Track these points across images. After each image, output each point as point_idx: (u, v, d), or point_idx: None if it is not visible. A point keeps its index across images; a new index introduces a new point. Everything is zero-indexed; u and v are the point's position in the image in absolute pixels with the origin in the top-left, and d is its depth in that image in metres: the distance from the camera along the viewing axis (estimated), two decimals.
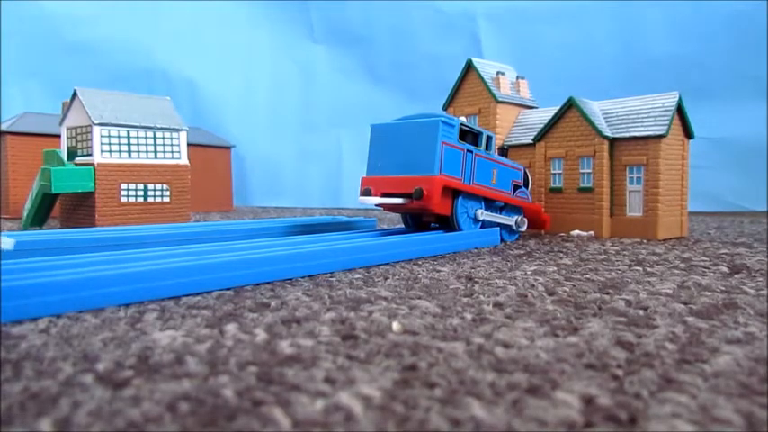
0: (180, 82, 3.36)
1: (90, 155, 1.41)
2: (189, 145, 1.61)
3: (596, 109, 1.27)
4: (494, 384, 0.31)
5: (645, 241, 1.10)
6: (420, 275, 0.68)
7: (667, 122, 1.15)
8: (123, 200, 1.45)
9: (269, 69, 3.43)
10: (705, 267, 0.75)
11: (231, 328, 0.42)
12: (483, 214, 1.03)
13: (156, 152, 1.51)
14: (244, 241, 0.84)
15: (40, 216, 1.49)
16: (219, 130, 3.16)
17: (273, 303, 0.51)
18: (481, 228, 1.04)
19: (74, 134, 1.47)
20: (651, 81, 2.05)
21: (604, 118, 1.25)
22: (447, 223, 1.01)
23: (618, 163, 1.20)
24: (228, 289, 0.59)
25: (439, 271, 0.71)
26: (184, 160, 1.57)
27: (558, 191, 1.28)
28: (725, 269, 0.73)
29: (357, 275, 0.68)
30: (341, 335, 0.40)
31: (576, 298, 0.54)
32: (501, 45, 2.67)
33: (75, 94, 1.45)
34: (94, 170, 1.40)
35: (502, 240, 1.07)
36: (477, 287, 0.60)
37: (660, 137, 1.14)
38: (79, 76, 2.78)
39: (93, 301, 0.49)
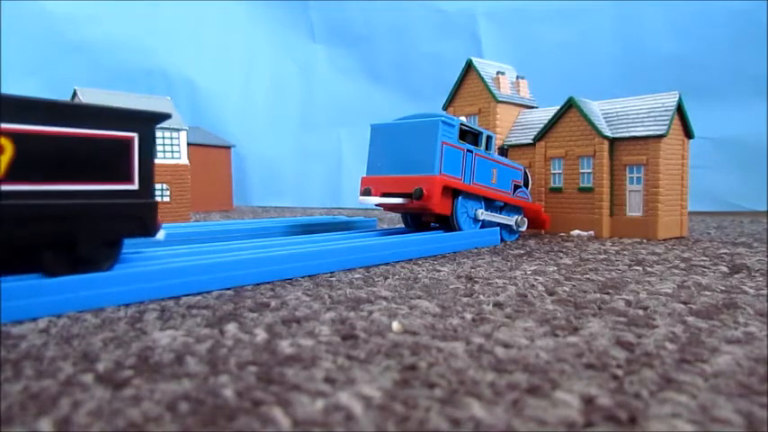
0: (180, 82, 3.36)
1: None
2: (189, 145, 1.61)
3: (596, 109, 1.27)
4: (494, 384, 0.31)
5: (645, 241, 1.10)
6: (420, 275, 0.68)
7: (667, 122, 1.15)
8: None
9: (269, 69, 3.43)
10: (705, 267, 0.75)
11: (231, 328, 0.42)
12: (483, 214, 1.03)
13: (155, 152, 1.51)
14: (244, 241, 0.84)
15: None
16: (219, 130, 3.17)
17: (273, 303, 0.51)
18: (481, 227, 1.04)
19: None
20: (651, 81, 2.05)
21: (604, 118, 1.25)
22: (447, 223, 1.01)
23: (618, 163, 1.20)
24: (228, 289, 0.59)
25: (439, 271, 0.71)
26: (184, 160, 1.57)
27: (558, 191, 1.28)
28: (725, 269, 0.73)
29: (357, 275, 0.68)
30: (341, 335, 0.40)
31: (575, 298, 0.54)
32: (501, 45, 2.67)
33: (74, 94, 1.45)
34: None
35: (502, 240, 1.07)
36: (477, 287, 0.60)
37: (660, 137, 1.14)
38: (79, 75, 2.78)
39: (93, 301, 0.49)
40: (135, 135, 0.55)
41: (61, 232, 0.51)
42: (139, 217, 0.56)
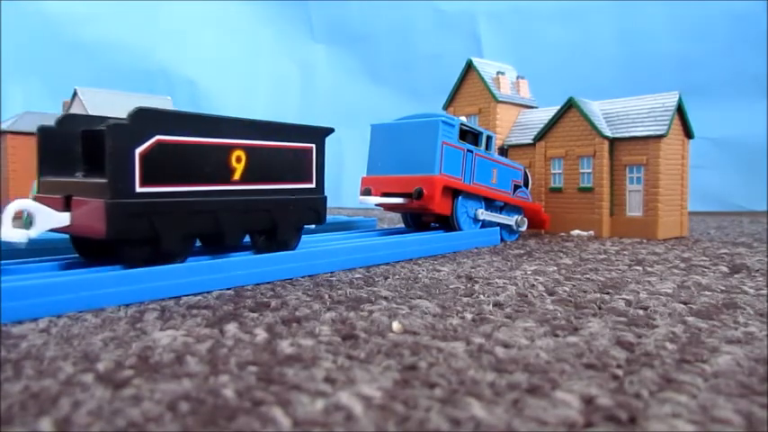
0: (180, 82, 3.36)
1: None
2: None
3: (596, 109, 1.27)
4: (494, 384, 0.31)
5: (645, 241, 1.10)
6: (420, 275, 0.68)
7: (667, 122, 1.15)
8: None
9: (269, 69, 3.43)
10: (705, 267, 0.75)
11: (231, 328, 0.42)
12: (483, 214, 1.03)
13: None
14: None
15: None
16: None
17: (273, 303, 0.51)
18: (481, 227, 1.04)
19: None
20: (651, 80, 2.05)
21: (604, 118, 1.25)
22: (447, 223, 1.01)
23: (618, 163, 1.20)
24: (228, 289, 0.59)
25: (439, 271, 0.71)
26: None
27: (557, 190, 1.28)
28: (725, 269, 0.73)
29: (357, 275, 0.68)
30: (341, 335, 0.41)
31: (575, 298, 0.54)
32: (501, 44, 2.67)
33: (75, 94, 1.45)
34: None
35: (502, 240, 1.07)
36: (477, 287, 0.60)
37: (660, 137, 1.14)
38: (79, 75, 2.78)
39: (94, 301, 0.49)
40: (313, 145, 0.71)
41: (269, 220, 0.66)
42: (316, 209, 0.71)
